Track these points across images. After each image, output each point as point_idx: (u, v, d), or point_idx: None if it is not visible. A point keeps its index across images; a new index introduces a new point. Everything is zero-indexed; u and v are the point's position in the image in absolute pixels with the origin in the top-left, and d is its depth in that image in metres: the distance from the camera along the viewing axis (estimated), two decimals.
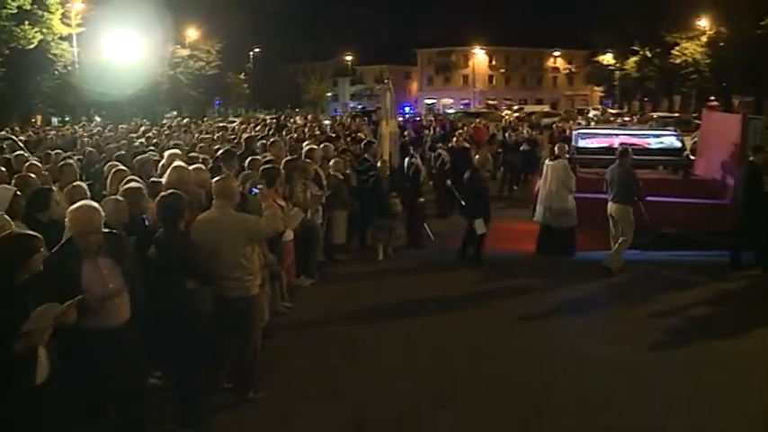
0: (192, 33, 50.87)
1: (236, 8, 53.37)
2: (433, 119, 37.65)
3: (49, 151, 11.27)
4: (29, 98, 34.63)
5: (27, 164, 8.41)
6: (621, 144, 12.45)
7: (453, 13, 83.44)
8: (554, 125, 31.67)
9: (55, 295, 3.86)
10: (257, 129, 22.79)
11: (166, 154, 8.63)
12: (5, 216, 5.08)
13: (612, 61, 64.76)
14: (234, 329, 5.73)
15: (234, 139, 16.28)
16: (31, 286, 3.88)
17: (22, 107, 35.00)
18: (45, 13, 31.53)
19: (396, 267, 10.63)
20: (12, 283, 3.82)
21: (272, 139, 11.96)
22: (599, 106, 67.73)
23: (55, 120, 41.33)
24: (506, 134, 21.98)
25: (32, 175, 7.03)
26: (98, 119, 37.66)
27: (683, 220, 11.42)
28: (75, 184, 6.64)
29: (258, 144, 11.90)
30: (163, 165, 7.91)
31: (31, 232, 4.19)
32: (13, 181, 6.70)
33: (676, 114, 42.18)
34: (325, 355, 7.08)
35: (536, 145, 20.71)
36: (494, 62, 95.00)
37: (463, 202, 11.10)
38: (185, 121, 29.47)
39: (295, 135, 17.86)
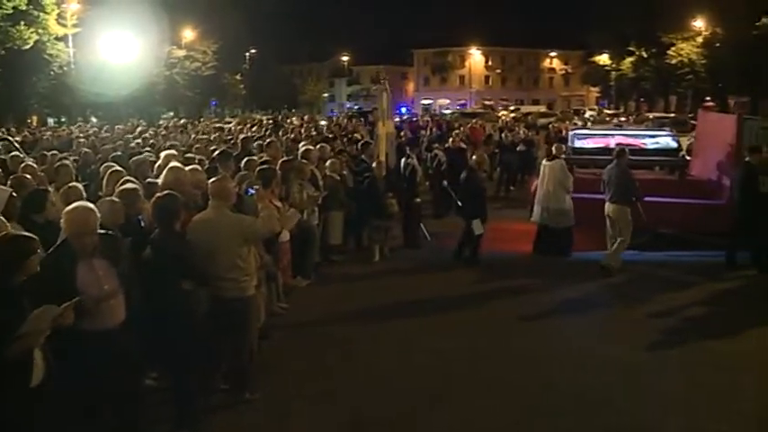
0: (189, 34, 50.86)
1: (232, 9, 53.28)
2: (429, 119, 37.66)
3: (45, 152, 11.23)
4: (24, 99, 34.55)
5: (23, 165, 8.40)
6: (618, 144, 12.47)
7: (450, 13, 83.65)
8: (550, 125, 31.77)
9: (50, 296, 3.85)
10: (254, 129, 22.78)
11: (162, 155, 8.64)
12: (1, 217, 5.07)
13: (609, 62, 64.92)
14: (230, 330, 5.72)
15: (230, 139, 16.26)
16: (27, 288, 3.88)
17: (17, 108, 34.91)
18: (41, 14, 31.46)
19: (392, 268, 10.62)
20: (9, 285, 3.80)
21: (268, 140, 11.95)
22: (595, 107, 67.75)
23: (51, 120, 41.17)
24: (503, 135, 22.00)
25: (28, 176, 7.01)
26: (94, 119, 37.60)
27: (678, 221, 11.44)
28: (70, 185, 6.62)
29: (255, 145, 11.89)
30: (159, 165, 7.91)
31: (27, 234, 4.18)
32: (9, 182, 6.66)
33: (672, 115, 42.20)
34: (322, 355, 7.07)
35: (532, 145, 20.74)
36: (490, 63, 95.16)
37: (460, 203, 11.10)
38: (182, 121, 29.44)
39: (292, 136, 17.86)
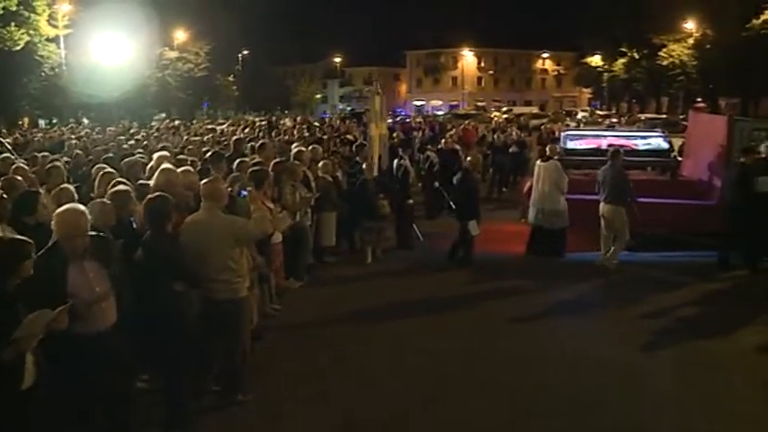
0: (181, 35, 50.75)
1: (224, 10, 53.24)
2: (422, 120, 37.67)
3: (36, 153, 11.16)
4: (15, 100, 34.43)
5: (14, 166, 8.31)
6: (610, 145, 12.50)
7: (442, 14, 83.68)
8: (542, 127, 31.78)
9: (42, 299, 3.83)
10: (246, 131, 22.73)
11: (155, 156, 8.60)
12: None
13: (601, 63, 65.23)
14: (222, 332, 5.70)
15: (223, 141, 16.22)
16: (19, 291, 3.85)
17: (8, 109, 34.79)
18: (32, 15, 31.36)
19: (385, 269, 10.61)
20: (4, 288, 3.78)
21: (260, 142, 11.93)
22: (587, 108, 68.01)
23: (42, 122, 40.92)
24: (495, 136, 21.99)
25: (19, 178, 6.94)
26: (86, 121, 37.42)
27: (669, 221, 11.47)
28: (62, 186, 6.58)
29: (247, 146, 11.86)
30: (151, 167, 7.87)
31: (22, 237, 4.15)
32: (0, 184, 6.63)
33: (664, 116, 42.42)
34: (314, 357, 7.05)
35: (525, 146, 20.74)
36: (482, 64, 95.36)
37: (453, 204, 11.09)
38: (175, 123, 29.34)
39: (285, 137, 17.82)
